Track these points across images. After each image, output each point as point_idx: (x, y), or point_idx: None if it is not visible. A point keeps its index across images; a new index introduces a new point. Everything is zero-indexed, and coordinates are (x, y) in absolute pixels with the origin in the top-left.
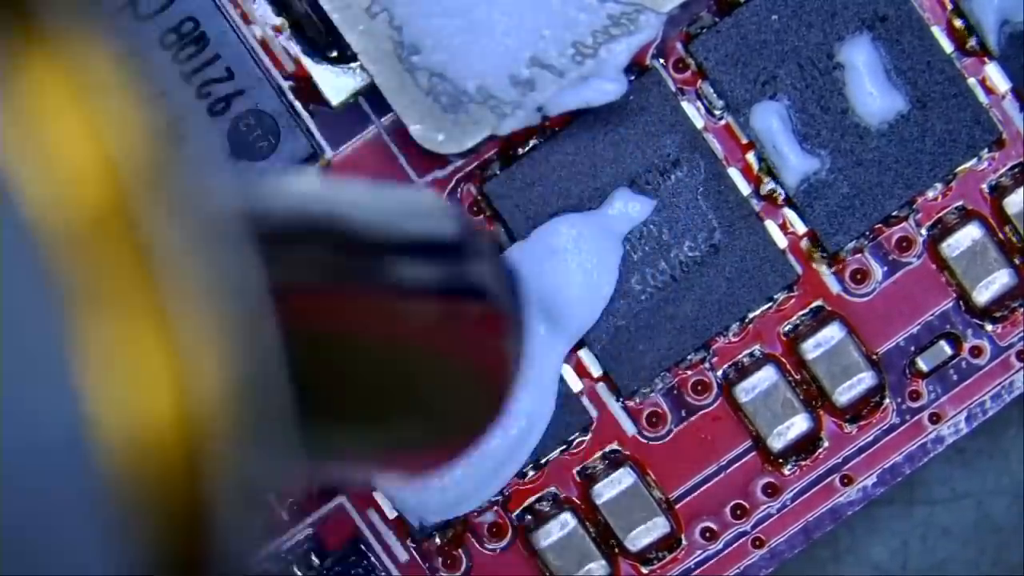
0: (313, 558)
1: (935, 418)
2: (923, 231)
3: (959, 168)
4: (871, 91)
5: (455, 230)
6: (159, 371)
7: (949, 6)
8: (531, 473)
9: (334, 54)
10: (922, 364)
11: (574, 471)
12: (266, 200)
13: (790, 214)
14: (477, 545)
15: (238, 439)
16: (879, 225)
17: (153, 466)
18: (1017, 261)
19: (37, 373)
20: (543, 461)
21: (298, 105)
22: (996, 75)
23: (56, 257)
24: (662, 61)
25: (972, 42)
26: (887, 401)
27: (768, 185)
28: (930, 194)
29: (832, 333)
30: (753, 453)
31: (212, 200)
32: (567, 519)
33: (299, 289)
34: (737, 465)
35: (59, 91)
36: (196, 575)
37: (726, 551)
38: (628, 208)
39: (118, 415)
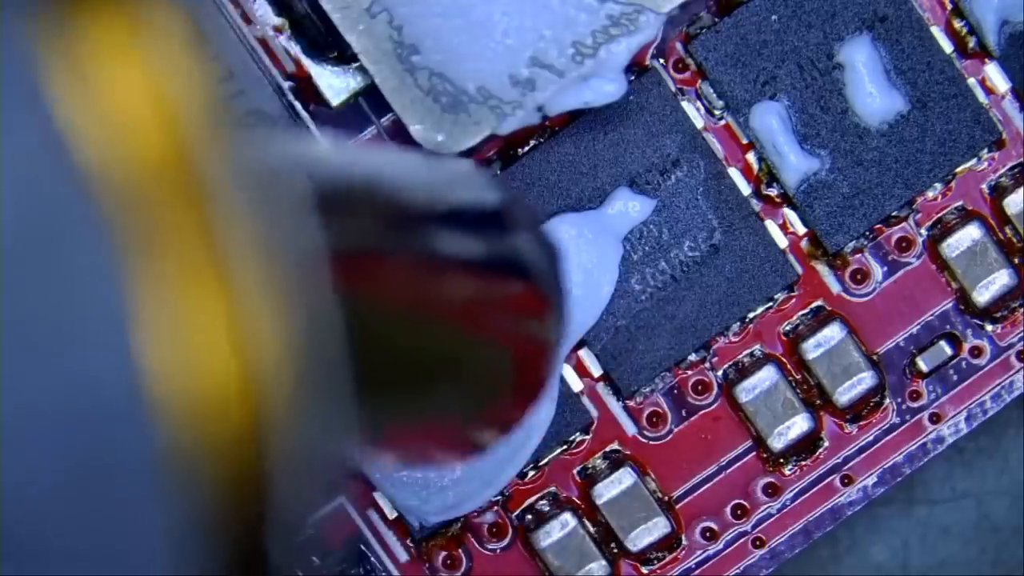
0: (313, 558)
1: (935, 418)
2: (923, 231)
3: (959, 168)
4: (871, 91)
5: (497, 200)
6: (217, 328)
7: (949, 6)
8: (531, 473)
9: (334, 54)
10: (922, 364)
11: (574, 471)
12: (316, 164)
13: (790, 214)
14: (477, 545)
15: (297, 399)
16: (879, 225)
17: (211, 425)
18: (1017, 261)
19: (93, 328)
20: (543, 461)
21: (298, 105)
22: (996, 75)
23: (112, 209)
24: (662, 61)
25: (972, 42)
26: (887, 401)
27: (768, 190)
28: (930, 194)
29: (832, 333)
30: (753, 453)
31: (271, 158)
32: (567, 519)
33: (347, 254)
34: (737, 465)
35: (118, 42)
36: (253, 537)
37: (726, 551)
38: (628, 208)
39: (175, 372)
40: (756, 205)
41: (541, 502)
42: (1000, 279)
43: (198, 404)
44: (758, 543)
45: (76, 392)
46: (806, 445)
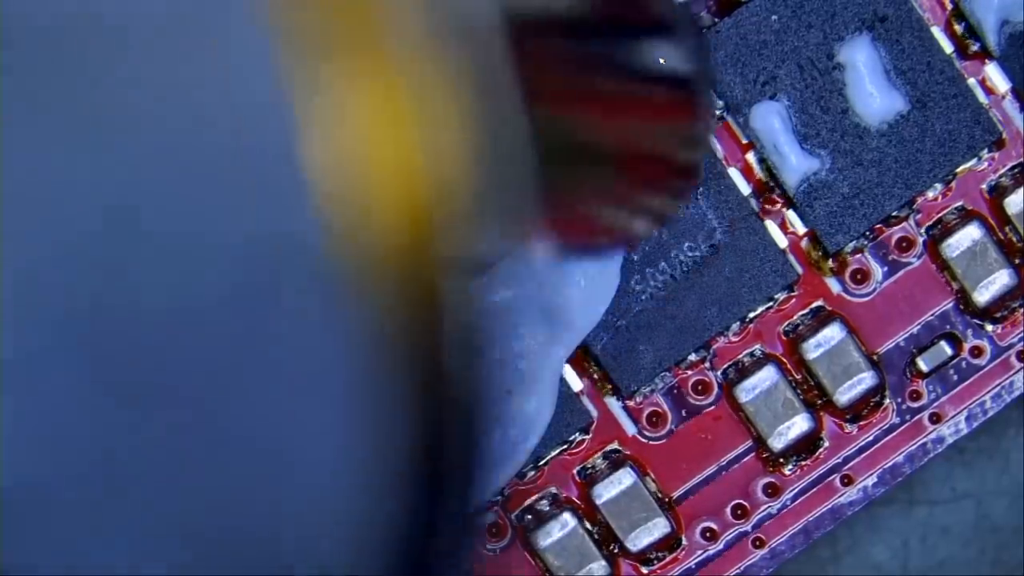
0: None
1: (935, 418)
2: (923, 231)
3: (959, 168)
4: (871, 91)
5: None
6: (388, 131)
7: (949, 6)
8: (531, 473)
9: None
10: (922, 364)
11: (574, 471)
12: None
13: (790, 214)
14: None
15: (471, 211)
16: (879, 225)
17: (381, 232)
18: (1017, 261)
19: (258, 125)
20: (543, 461)
21: None
22: (996, 75)
23: (280, 5)
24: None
25: (972, 43)
26: (887, 401)
27: (768, 192)
28: (930, 194)
29: (832, 333)
30: (753, 453)
31: None
32: (567, 519)
33: (522, 51)
34: (737, 465)
35: None
36: (424, 342)
37: (726, 551)
38: None
39: (342, 169)
40: (756, 205)
41: (541, 502)
42: (1000, 279)
43: (367, 201)
44: (758, 543)
45: (242, 175)
46: (806, 445)
